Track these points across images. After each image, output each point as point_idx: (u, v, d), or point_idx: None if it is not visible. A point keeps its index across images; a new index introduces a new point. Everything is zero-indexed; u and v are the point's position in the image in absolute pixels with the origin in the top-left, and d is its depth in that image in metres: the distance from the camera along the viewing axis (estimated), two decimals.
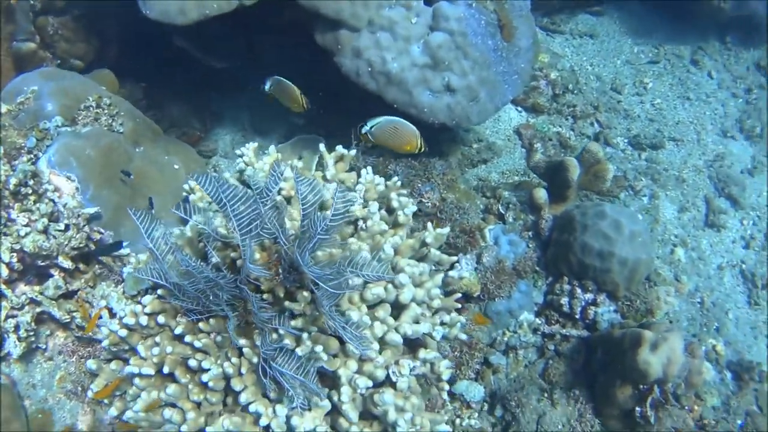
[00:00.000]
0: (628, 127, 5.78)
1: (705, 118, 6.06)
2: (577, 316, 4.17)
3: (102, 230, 3.56)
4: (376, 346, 3.01)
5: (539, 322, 4.21)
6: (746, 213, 5.73)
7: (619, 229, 4.06)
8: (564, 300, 4.18)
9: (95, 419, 3.44)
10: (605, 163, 4.49)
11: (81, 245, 3.41)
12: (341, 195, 2.70)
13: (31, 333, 3.34)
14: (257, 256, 2.94)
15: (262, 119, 5.19)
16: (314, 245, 2.71)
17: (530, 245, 4.35)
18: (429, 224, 3.51)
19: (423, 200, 4.24)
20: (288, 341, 2.90)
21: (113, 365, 3.19)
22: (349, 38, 4.12)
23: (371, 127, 3.88)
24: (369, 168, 3.64)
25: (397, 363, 3.12)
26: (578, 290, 4.16)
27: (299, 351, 2.86)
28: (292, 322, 2.91)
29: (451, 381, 3.96)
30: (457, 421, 3.87)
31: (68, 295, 3.50)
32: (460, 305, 3.61)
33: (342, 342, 2.98)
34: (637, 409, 3.72)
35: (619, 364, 3.76)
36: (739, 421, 4.54)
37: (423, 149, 4.04)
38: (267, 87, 4.25)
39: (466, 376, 3.93)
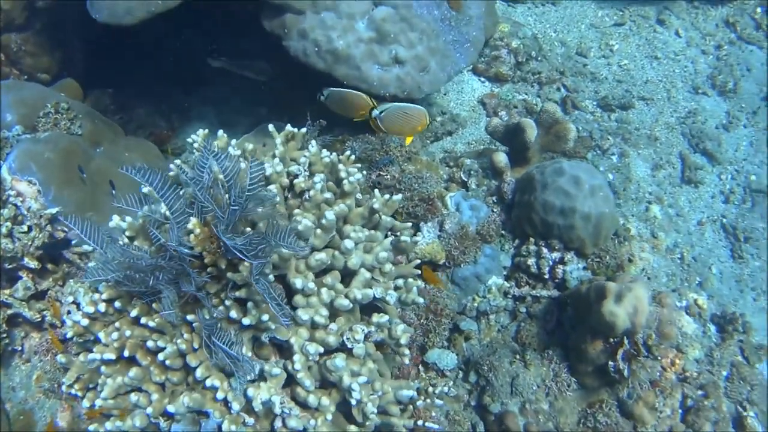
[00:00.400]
0: (596, 89, 5.73)
1: (675, 75, 6.00)
2: (546, 276, 4.11)
3: (66, 229, 3.61)
4: (324, 311, 3.02)
5: (508, 285, 4.17)
6: (724, 168, 5.67)
7: (578, 184, 4.00)
8: (531, 261, 4.11)
9: (74, 415, 3.47)
10: (565, 122, 4.47)
11: (44, 243, 3.46)
12: (256, 167, 2.73)
13: (4, 336, 3.38)
14: (197, 230, 2.96)
15: (229, 112, 5.22)
16: (229, 216, 2.74)
17: (495, 210, 4.33)
18: (376, 191, 3.51)
19: (381, 173, 4.25)
20: (234, 312, 2.91)
21: (82, 357, 3.22)
22: (294, 21, 4.14)
23: (381, 113, 3.91)
24: (314, 141, 3.65)
25: (351, 329, 3.12)
26: (544, 250, 4.10)
27: (246, 320, 2.87)
28: (237, 293, 2.93)
29: (423, 350, 3.98)
30: (431, 389, 3.87)
31: (39, 296, 3.56)
32: (419, 271, 3.62)
33: (294, 309, 3.01)
34: (610, 363, 3.65)
35: (587, 319, 3.72)
36: (724, 372, 4.51)
37: (428, 123, 4.09)
38: (324, 97, 4.19)
39: (435, 344, 3.92)
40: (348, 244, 3.14)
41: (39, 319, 3.46)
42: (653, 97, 5.80)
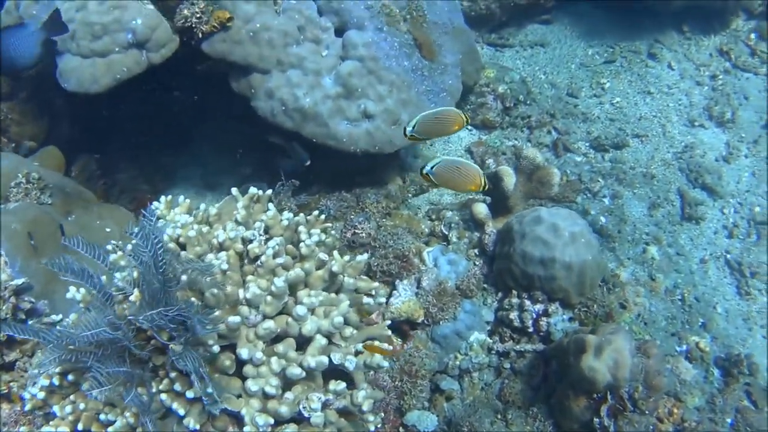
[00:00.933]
0: (588, 129, 5.59)
1: (669, 110, 5.83)
2: (530, 330, 3.97)
3: (33, 300, 3.56)
4: (275, 381, 2.92)
5: (492, 341, 4.01)
6: (726, 201, 5.47)
7: (557, 232, 3.87)
8: (514, 315, 3.97)
9: None
10: (547, 167, 4.35)
11: (8, 315, 3.43)
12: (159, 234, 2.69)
13: None
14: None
15: (213, 173, 5.19)
16: (149, 291, 2.69)
17: (477, 262, 4.21)
18: (335, 252, 3.42)
19: (357, 231, 4.16)
20: (178, 385, 2.83)
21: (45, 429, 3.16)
22: (260, 81, 4.11)
23: (432, 168, 3.72)
24: (270, 204, 3.58)
25: (307, 398, 3.02)
26: (527, 302, 3.95)
27: (189, 394, 2.78)
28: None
29: (401, 412, 3.84)
30: None
31: (7, 367, 3.52)
32: (389, 332, 3.50)
33: (244, 380, 2.92)
34: (595, 420, 3.48)
35: (569, 374, 3.55)
36: (728, 420, 4.28)
37: (486, 187, 3.82)
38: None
39: (412, 406, 3.78)
40: (300, 310, 3.04)
41: (6, 391, 3.41)
42: (648, 133, 5.63)
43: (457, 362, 3.95)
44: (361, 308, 3.38)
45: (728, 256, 5.25)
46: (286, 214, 3.56)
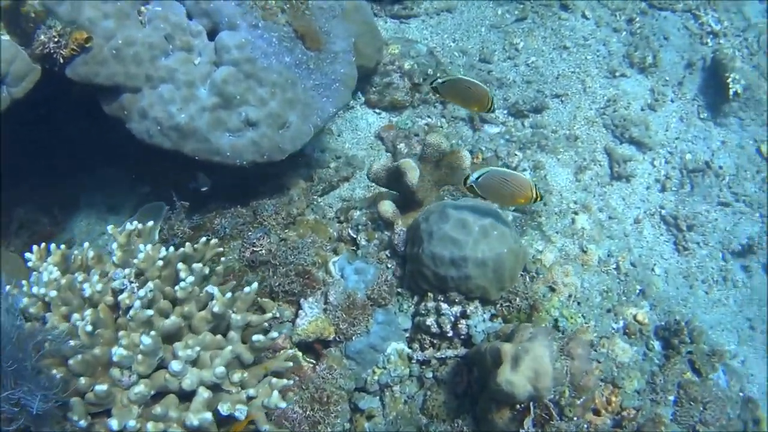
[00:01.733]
0: (505, 96, 5.29)
1: (588, 63, 5.54)
2: (450, 334, 3.68)
3: None
4: None
5: (410, 350, 3.74)
6: (656, 153, 5.24)
7: (466, 228, 3.57)
8: (431, 320, 3.67)
9: None
10: (456, 151, 4.06)
11: None
12: None
13: None
14: None
15: (116, 195, 4.90)
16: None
17: (389, 265, 3.95)
18: (215, 290, 3.16)
19: (255, 249, 3.89)
20: None
21: None
22: (132, 101, 3.76)
23: (478, 178, 3.39)
24: (141, 246, 3.28)
25: None
26: (443, 305, 3.66)
27: None
28: None
29: None
30: None
31: None
32: (290, 363, 3.29)
33: None
34: None
35: (490, 384, 3.22)
36: (671, 397, 4.08)
37: (539, 198, 3.52)
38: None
39: None
40: (176, 366, 2.79)
41: None
42: (567, 92, 5.34)
43: (376, 377, 3.69)
44: (253, 347, 3.14)
45: (663, 211, 5.04)
46: (163, 252, 3.29)
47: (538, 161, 4.92)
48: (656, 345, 4.30)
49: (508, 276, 3.72)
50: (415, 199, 4.06)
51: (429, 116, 5.08)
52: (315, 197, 4.49)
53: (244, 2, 3.97)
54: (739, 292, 4.94)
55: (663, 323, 4.41)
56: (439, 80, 3.52)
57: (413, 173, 3.90)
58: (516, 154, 4.78)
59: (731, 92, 5.33)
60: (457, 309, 3.71)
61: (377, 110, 5.11)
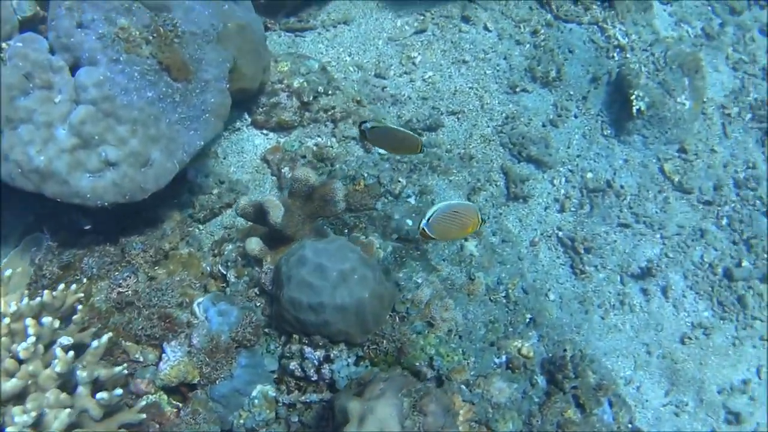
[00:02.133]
0: (399, 113, 5.32)
1: (487, 78, 5.57)
2: (314, 378, 3.73)
3: None
4: None
5: (276, 393, 3.79)
6: (555, 171, 5.32)
7: (323, 273, 3.59)
8: (294, 364, 3.72)
9: None
10: (327, 184, 4.15)
11: None
12: None
13: None
14: None
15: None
16: None
17: (258, 303, 4.04)
18: (58, 350, 3.26)
19: (121, 290, 4.00)
20: None
21: None
22: None
23: (428, 220, 3.47)
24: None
25: None
26: (307, 349, 3.70)
27: None
28: None
29: None
30: None
31: None
32: (143, 415, 3.42)
33: None
34: None
35: None
36: None
37: (485, 222, 3.63)
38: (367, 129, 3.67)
39: None
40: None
41: None
42: (464, 109, 5.36)
43: (242, 421, 3.82)
44: (101, 404, 3.25)
45: (560, 233, 5.21)
46: (12, 307, 3.39)
47: (425, 186, 4.89)
48: (540, 381, 4.31)
49: (372, 319, 3.72)
50: (284, 235, 4.17)
51: (319, 136, 5.16)
52: (191, 229, 4.58)
53: (105, 36, 4.01)
54: (636, 317, 5.12)
55: (549, 356, 4.45)
56: (368, 125, 3.62)
57: (276, 211, 3.98)
58: (399, 181, 4.87)
59: (635, 109, 5.47)
60: (320, 353, 3.72)
61: (264, 131, 5.10)
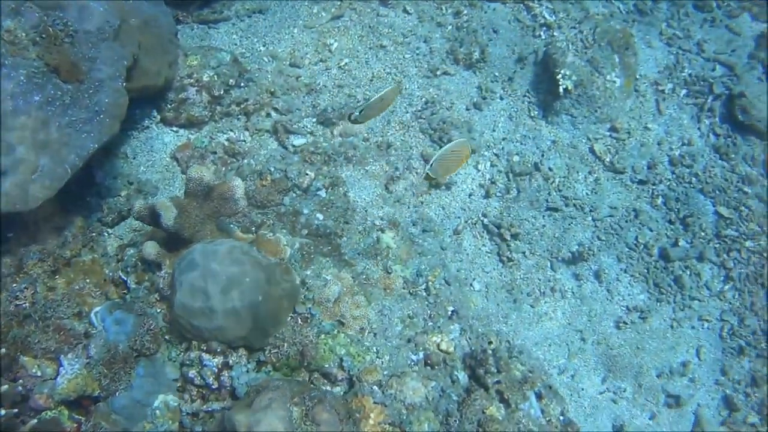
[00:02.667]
0: (314, 102, 5.36)
1: (406, 63, 5.64)
2: (215, 386, 3.79)
3: None
4: None
5: (179, 402, 3.83)
6: (480, 155, 5.38)
7: (213, 278, 3.67)
8: (193, 372, 3.78)
9: None
10: (225, 182, 4.23)
11: None
12: None
13: None
14: None
15: None
16: None
17: (159, 309, 3.96)
18: None
19: (18, 302, 4.12)
20: None
21: None
22: None
23: (431, 165, 3.96)
24: None
25: None
26: (204, 356, 3.75)
27: None
28: None
29: None
30: None
31: None
32: None
33: None
34: None
35: None
36: None
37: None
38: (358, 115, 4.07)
39: None
40: None
41: None
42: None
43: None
44: None
45: (485, 220, 5.36)
46: None
47: (336, 178, 4.95)
48: (460, 377, 4.32)
49: (271, 323, 3.75)
50: (182, 237, 4.31)
51: (231, 130, 5.28)
52: (94, 234, 4.69)
53: None
54: (568, 303, 5.24)
55: (472, 350, 4.46)
56: (356, 112, 3.91)
57: (167, 213, 4.08)
58: (307, 174, 4.98)
59: (561, 89, 5.62)
60: (218, 359, 3.75)
61: (174, 128, 5.13)
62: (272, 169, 4.68)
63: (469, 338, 4.62)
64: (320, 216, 4.58)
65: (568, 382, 4.84)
